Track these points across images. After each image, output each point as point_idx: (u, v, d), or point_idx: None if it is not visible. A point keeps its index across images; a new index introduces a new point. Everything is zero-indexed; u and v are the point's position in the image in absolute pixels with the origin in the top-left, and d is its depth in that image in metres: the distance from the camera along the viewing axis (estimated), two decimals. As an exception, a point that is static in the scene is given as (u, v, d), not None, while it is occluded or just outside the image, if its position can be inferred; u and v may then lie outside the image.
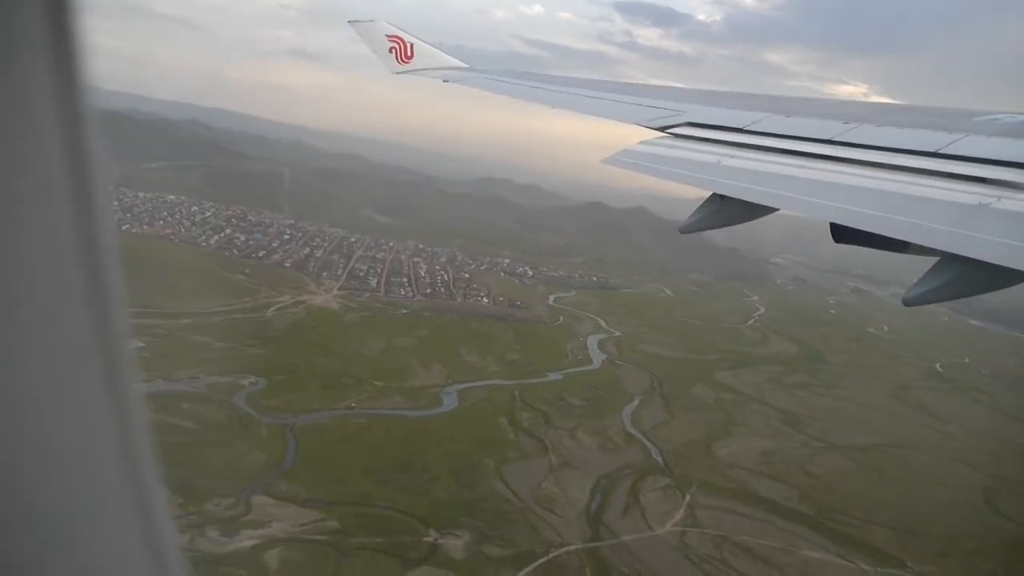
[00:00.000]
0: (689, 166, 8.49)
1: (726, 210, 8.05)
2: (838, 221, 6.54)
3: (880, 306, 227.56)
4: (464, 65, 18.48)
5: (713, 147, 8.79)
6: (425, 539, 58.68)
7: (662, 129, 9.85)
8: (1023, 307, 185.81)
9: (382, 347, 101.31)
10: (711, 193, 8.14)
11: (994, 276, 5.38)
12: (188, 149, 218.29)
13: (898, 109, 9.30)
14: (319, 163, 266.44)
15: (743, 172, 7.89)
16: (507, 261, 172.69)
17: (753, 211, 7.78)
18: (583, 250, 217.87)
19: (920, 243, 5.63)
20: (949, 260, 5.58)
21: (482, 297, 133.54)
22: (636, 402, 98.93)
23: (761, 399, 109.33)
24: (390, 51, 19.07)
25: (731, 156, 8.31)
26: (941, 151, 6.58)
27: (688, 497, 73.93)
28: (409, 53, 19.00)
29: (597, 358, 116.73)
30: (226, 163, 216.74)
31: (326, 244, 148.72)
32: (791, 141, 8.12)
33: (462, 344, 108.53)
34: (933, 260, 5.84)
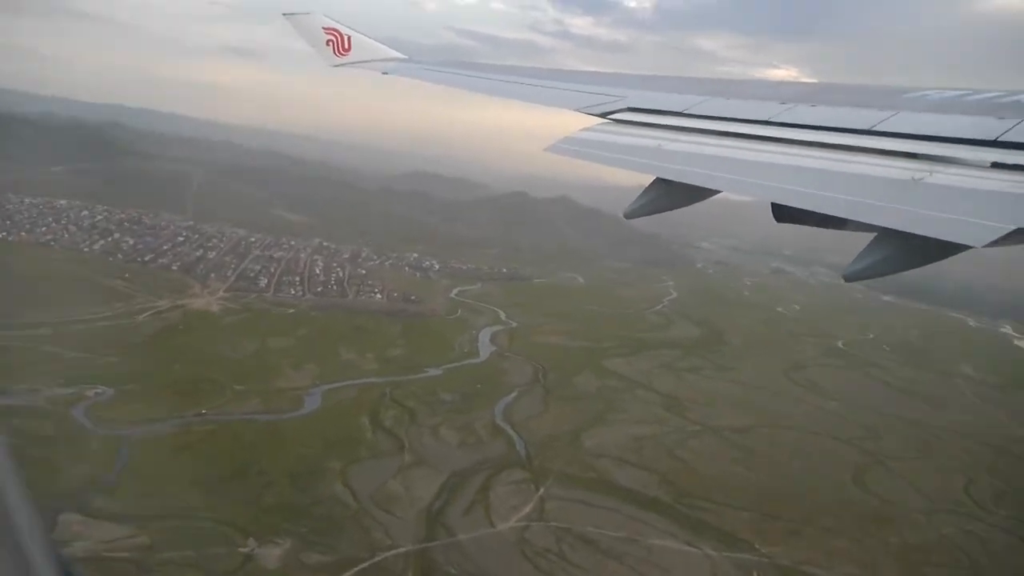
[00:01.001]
0: (631, 151, 8.40)
1: (670, 194, 7.90)
2: (778, 201, 6.56)
3: (797, 286, 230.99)
4: (403, 56, 18.09)
5: (654, 131, 8.72)
6: (240, 550, 56.38)
7: (603, 115, 9.68)
8: (934, 280, 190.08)
9: (254, 349, 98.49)
10: (654, 178, 7.97)
11: (928, 249, 5.46)
12: (97, 152, 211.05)
13: (831, 88, 9.18)
14: (240, 162, 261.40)
15: (685, 155, 7.86)
16: (415, 255, 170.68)
17: (696, 194, 7.68)
18: (500, 241, 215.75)
19: (858, 219, 5.70)
20: (886, 235, 5.62)
21: (376, 293, 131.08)
22: (514, 394, 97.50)
23: (648, 385, 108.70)
24: (327, 44, 18.59)
25: (672, 140, 8.28)
26: (875, 128, 6.69)
27: (541, 490, 72.60)
28: (347, 46, 18.58)
29: (485, 351, 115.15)
30: (136, 164, 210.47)
31: (223, 245, 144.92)
32: (730, 123, 8.15)
33: (343, 343, 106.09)
34: (870, 236, 5.82)
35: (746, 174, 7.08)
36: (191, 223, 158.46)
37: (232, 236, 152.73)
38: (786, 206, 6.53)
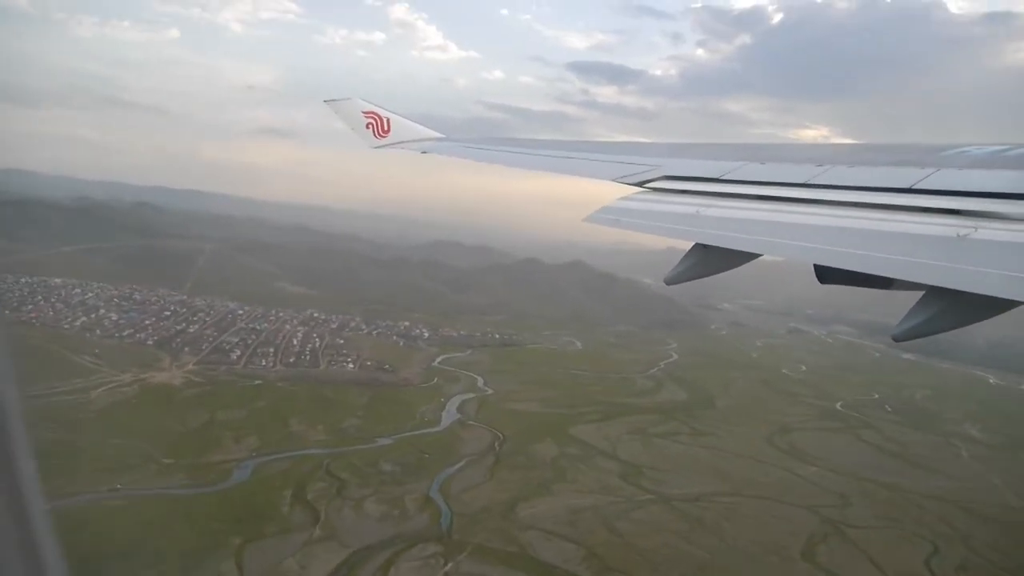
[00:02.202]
0: (669, 218, 8.46)
1: (709, 259, 7.89)
2: (821, 262, 6.54)
3: (813, 345, 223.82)
4: (440, 135, 18.65)
5: (692, 198, 8.77)
6: (97, 633, 54.11)
7: (639, 184, 9.78)
8: (964, 337, 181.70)
9: (202, 422, 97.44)
10: (693, 244, 7.99)
11: (978, 306, 5.42)
12: (111, 231, 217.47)
13: (868, 148, 9.19)
14: (259, 236, 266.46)
15: (723, 220, 7.87)
16: (406, 324, 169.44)
17: (736, 258, 7.68)
18: (506, 308, 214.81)
19: (904, 278, 5.72)
20: (933, 294, 5.57)
21: (348, 363, 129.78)
22: (460, 464, 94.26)
23: (610, 452, 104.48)
24: (367, 127, 19.39)
25: (710, 205, 8.32)
26: (916, 186, 6.64)
27: (450, 565, 68.95)
28: (386, 127, 19.35)
29: (449, 419, 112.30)
30: (150, 243, 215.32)
31: (208, 319, 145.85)
32: (768, 187, 8.15)
33: (298, 414, 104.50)
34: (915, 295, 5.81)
35: (787, 236, 6.98)
36: (184, 298, 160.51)
37: (221, 309, 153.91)
38: (829, 267, 6.48)
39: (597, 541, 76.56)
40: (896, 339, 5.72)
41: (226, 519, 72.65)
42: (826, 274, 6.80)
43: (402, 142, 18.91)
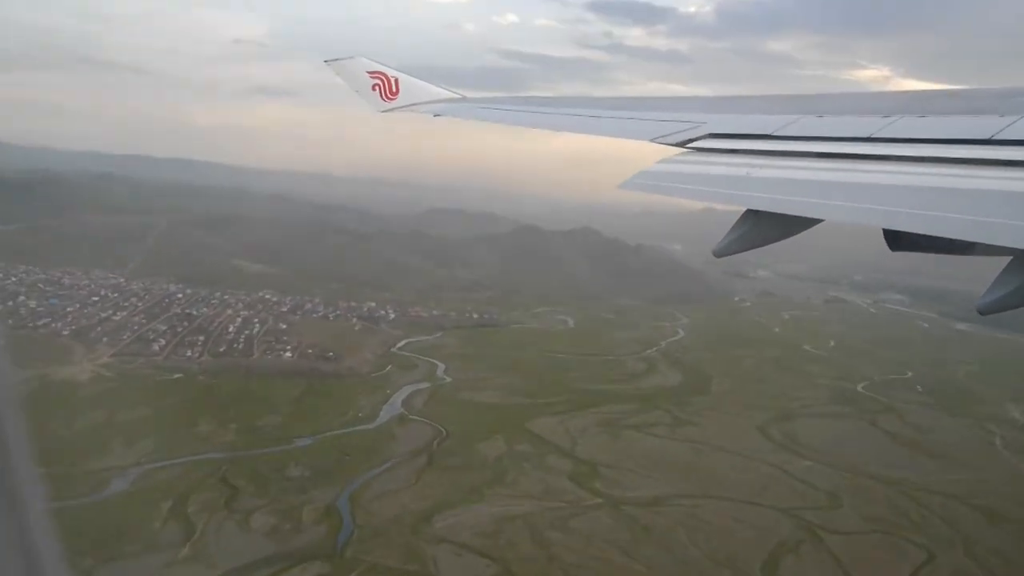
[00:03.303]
0: (717, 182, 8.32)
1: (763, 226, 7.64)
2: (890, 226, 6.46)
3: (852, 317, 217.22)
4: (455, 95, 18.56)
5: (741, 158, 8.60)
6: None
7: (681, 144, 9.62)
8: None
9: (95, 424, 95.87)
10: (744, 210, 7.78)
11: None
12: (63, 207, 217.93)
13: (939, 95, 8.78)
14: (228, 210, 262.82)
15: (778, 182, 7.79)
16: (371, 304, 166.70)
17: (793, 224, 7.50)
18: (498, 283, 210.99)
19: (987, 242, 5.52)
20: (1022, 259, 5.53)
21: (287, 351, 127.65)
22: (385, 466, 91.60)
23: (567, 449, 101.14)
24: (373, 88, 19.32)
25: (763, 166, 8.15)
26: (996, 137, 6.50)
27: (329, 588, 66.45)
28: (394, 89, 19.26)
29: (390, 414, 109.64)
30: (101, 220, 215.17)
31: (140, 304, 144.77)
32: (828, 143, 8.01)
33: (211, 411, 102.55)
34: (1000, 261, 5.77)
35: (851, 199, 6.87)
36: (120, 281, 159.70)
37: (158, 293, 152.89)
38: (901, 232, 6.53)
39: (516, 556, 73.42)
40: (981, 312, 5.65)
41: (86, 536, 70.60)
42: (897, 240, 6.80)
43: (413, 104, 18.78)
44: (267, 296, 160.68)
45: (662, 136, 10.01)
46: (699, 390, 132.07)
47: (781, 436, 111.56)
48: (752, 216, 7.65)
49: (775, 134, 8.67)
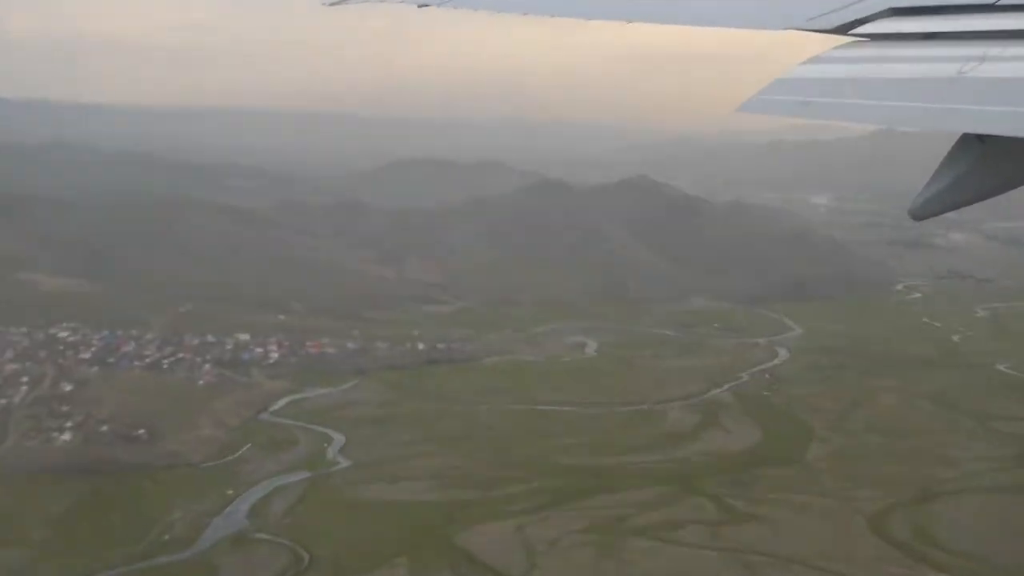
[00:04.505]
0: (907, 91, 5.49)
1: (992, 163, 5.16)
2: None
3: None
4: None
5: (947, 47, 5.76)
6: None
7: (839, 30, 6.47)
8: None
9: None
10: (959, 136, 5.26)
11: None
12: None
13: None
14: (37, 180, 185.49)
15: (1017, 84, 4.90)
16: (244, 337, 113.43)
17: None
18: (482, 284, 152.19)
19: None
20: None
21: (65, 431, 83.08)
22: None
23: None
24: None
25: (983, 59, 5.26)
26: None
27: None
28: None
29: (221, 532, 67.35)
30: None
31: None
32: None
33: None
34: None
35: None
36: None
37: None
38: None
39: None
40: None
41: None
42: None
43: None
44: (58, 334, 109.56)
45: (808, 20, 6.63)
46: (784, 456, 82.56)
47: (907, 533, 65.62)
48: (975, 146, 5.08)
49: (1000, 2, 5.73)
